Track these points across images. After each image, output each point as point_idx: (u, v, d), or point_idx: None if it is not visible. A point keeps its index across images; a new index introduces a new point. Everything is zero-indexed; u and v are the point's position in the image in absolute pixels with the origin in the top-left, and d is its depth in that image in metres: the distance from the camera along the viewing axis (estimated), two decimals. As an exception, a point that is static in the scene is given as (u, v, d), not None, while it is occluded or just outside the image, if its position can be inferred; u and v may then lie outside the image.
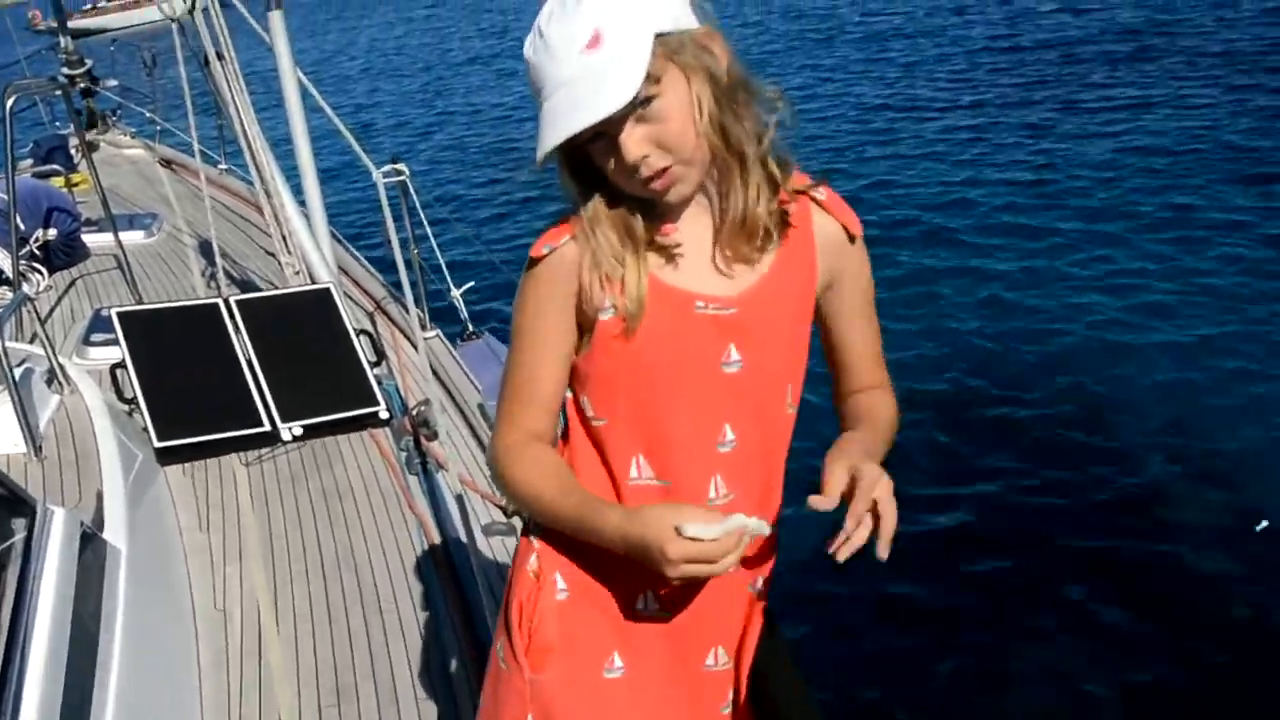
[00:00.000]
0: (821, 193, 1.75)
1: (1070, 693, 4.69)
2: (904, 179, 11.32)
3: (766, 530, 1.61)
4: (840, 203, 1.77)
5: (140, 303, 5.94)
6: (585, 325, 1.72)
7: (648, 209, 1.68)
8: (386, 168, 5.29)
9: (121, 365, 4.69)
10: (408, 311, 5.38)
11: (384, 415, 4.65)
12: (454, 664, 3.24)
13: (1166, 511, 5.70)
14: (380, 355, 5.06)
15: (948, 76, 15.42)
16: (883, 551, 1.55)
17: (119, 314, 4.90)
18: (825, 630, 5.09)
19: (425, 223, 6.03)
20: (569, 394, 1.80)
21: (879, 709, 4.73)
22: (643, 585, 1.81)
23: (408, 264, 5.39)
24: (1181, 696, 4.59)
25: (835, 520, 1.58)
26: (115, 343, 4.83)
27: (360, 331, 5.03)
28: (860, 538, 1.55)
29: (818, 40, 20.15)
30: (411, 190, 5.50)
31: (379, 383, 4.78)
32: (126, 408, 4.57)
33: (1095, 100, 13.03)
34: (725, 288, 1.69)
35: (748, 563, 1.82)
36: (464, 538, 3.70)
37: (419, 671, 3.24)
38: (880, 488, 1.57)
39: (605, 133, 1.56)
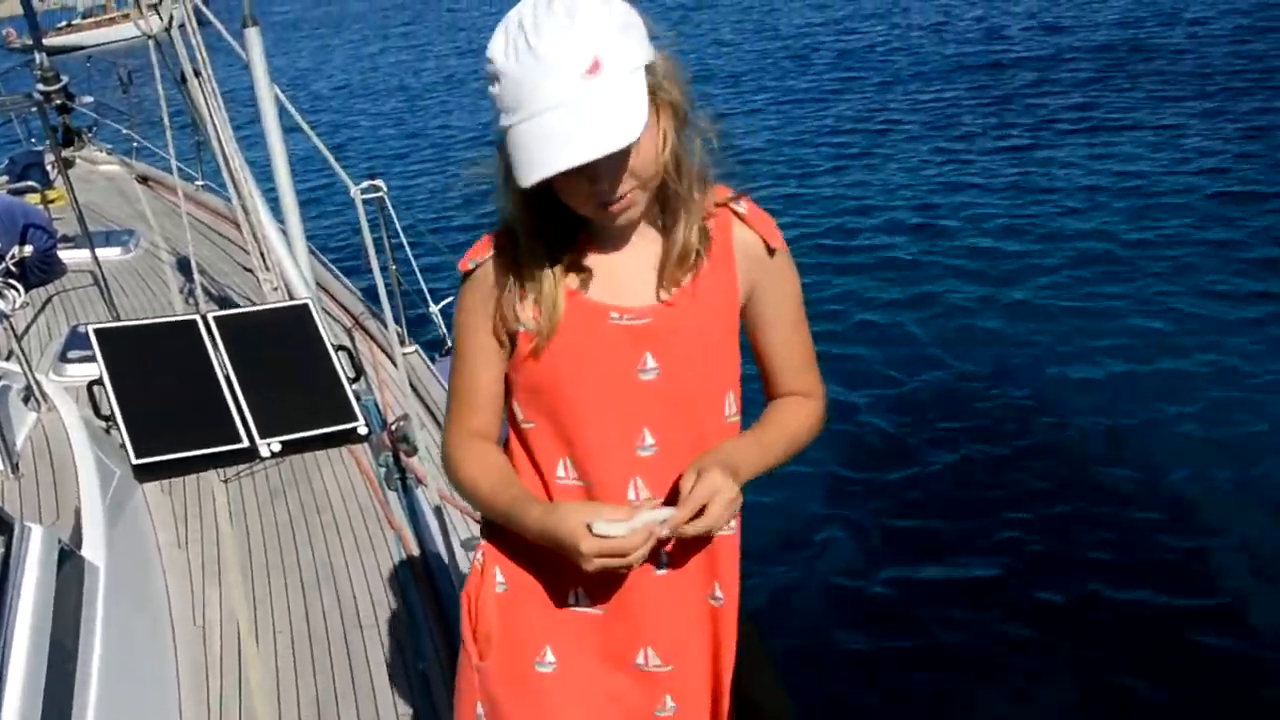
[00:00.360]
0: (742, 206, 1.80)
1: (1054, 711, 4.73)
2: (880, 199, 11.34)
3: (666, 514, 1.69)
4: (761, 215, 1.82)
5: (117, 319, 5.93)
6: (509, 335, 1.80)
7: (573, 224, 1.73)
8: (364, 184, 5.28)
9: (99, 382, 4.68)
10: (386, 327, 5.37)
11: (363, 431, 4.65)
12: (434, 678, 3.23)
13: (1147, 529, 5.73)
14: (359, 371, 5.06)
15: (924, 96, 15.50)
16: (665, 528, 1.69)
17: (96, 331, 4.88)
18: (813, 648, 5.13)
19: (404, 239, 6.04)
20: (509, 401, 1.88)
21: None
22: (573, 581, 1.87)
23: (386, 280, 5.39)
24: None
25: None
26: (92, 359, 4.81)
27: (339, 347, 5.02)
28: (675, 533, 1.70)
29: (793, 58, 20.24)
30: (389, 207, 5.51)
31: (358, 399, 4.77)
32: (104, 425, 4.55)
33: (1072, 119, 13.11)
34: (642, 299, 1.76)
35: (700, 572, 1.89)
36: (443, 552, 3.70)
37: (399, 686, 3.23)
38: (716, 499, 1.68)
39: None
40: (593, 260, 1.76)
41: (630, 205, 1.67)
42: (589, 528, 1.67)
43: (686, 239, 1.74)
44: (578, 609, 1.89)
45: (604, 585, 1.84)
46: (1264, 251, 8.70)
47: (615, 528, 1.67)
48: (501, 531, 1.88)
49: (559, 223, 1.72)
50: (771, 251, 1.82)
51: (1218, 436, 6.37)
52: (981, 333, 8.12)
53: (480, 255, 1.80)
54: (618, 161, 1.59)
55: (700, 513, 1.69)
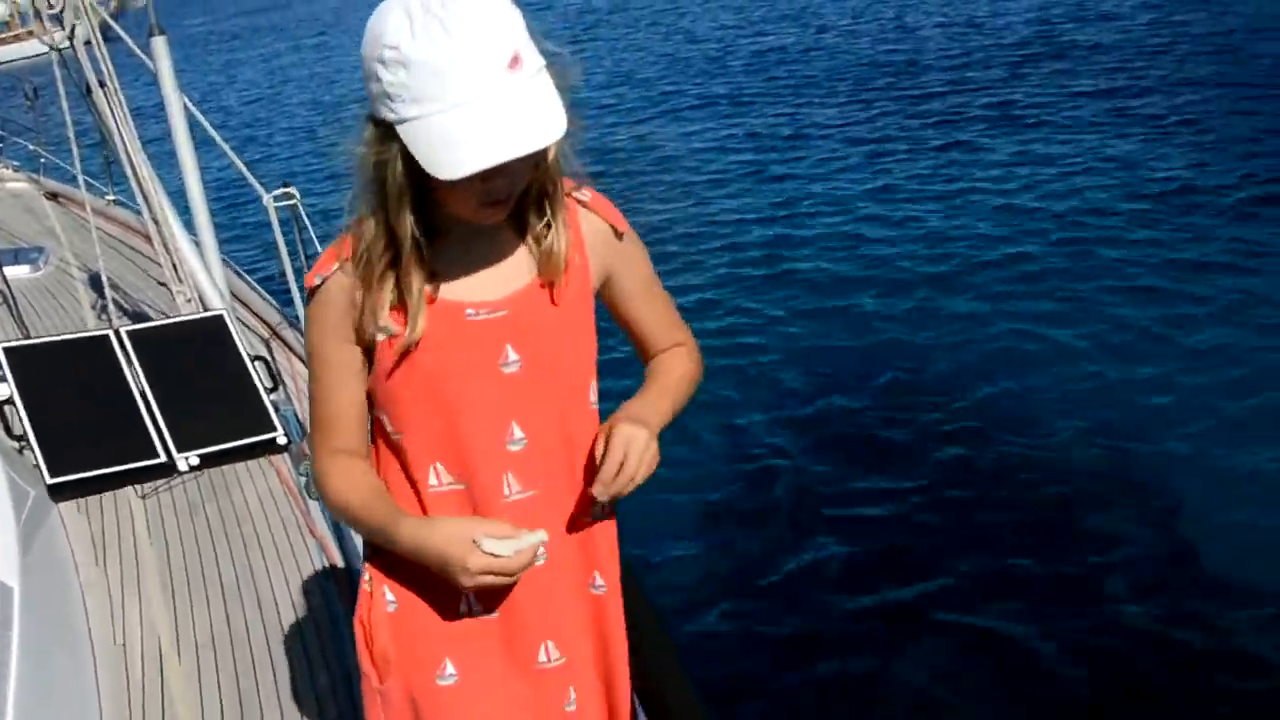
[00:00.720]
0: (585, 194, 1.82)
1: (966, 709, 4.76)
2: (799, 203, 11.39)
3: (545, 537, 1.74)
4: (604, 202, 1.85)
5: (28, 338, 5.81)
6: (367, 347, 1.76)
7: (425, 224, 1.70)
8: (278, 192, 5.26)
9: (10, 401, 4.58)
10: (303, 336, 5.30)
11: (282, 441, 4.60)
12: (359, 686, 3.20)
13: (1062, 524, 5.81)
14: (277, 381, 5.00)
15: (840, 98, 15.58)
16: (597, 491, 1.72)
17: (6, 349, 4.78)
18: (718, 639, 5.17)
19: (319, 248, 5.98)
20: (374, 414, 1.85)
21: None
22: (464, 589, 1.84)
23: (302, 289, 5.34)
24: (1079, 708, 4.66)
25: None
26: (3, 379, 4.71)
27: (255, 358, 4.96)
28: (607, 492, 1.71)
29: (709, 60, 20.31)
30: (303, 215, 5.45)
31: (276, 409, 4.72)
32: (16, 445, 4.46)
33: (989, 119, 13.24)
34: (496, 292, 1.75)
35: (579, 561, 1.90)
36: (367, 560, 3.67)
37: (325, 695, 3.20)
38: (631, 448, 1.70)
39: None
40: (444, 258, 1.74)
41: (511, 203, 1.68)
42: (476, 543, 1.69)
43: (562, 237, 1.76)
44: (473, 617, 1.88)
45: (494, 589, 1.82)
46: (1189, 249, 8.79)
47: (504, 546, 1.69)
48: (386, 550, 1.86)
49: (401, 221, 1.68)
50: (620, 235, 1.85)
51: (1150, 443, 6.39)
52: (902, 337, 8.16)
53: (327, 269, 1.76)
54: (529, 159, 1.58)
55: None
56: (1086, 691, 4.71)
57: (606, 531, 1.92)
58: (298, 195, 5.23)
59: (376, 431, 1.87)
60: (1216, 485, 5.88)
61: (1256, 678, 4.63)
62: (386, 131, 1.59)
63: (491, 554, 1.68)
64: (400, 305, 1.72)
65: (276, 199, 5.17)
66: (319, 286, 1.76)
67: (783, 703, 4.85)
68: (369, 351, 1.77)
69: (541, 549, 1.81)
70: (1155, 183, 10.28)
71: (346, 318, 1.74)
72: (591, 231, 1.82)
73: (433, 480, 1.81)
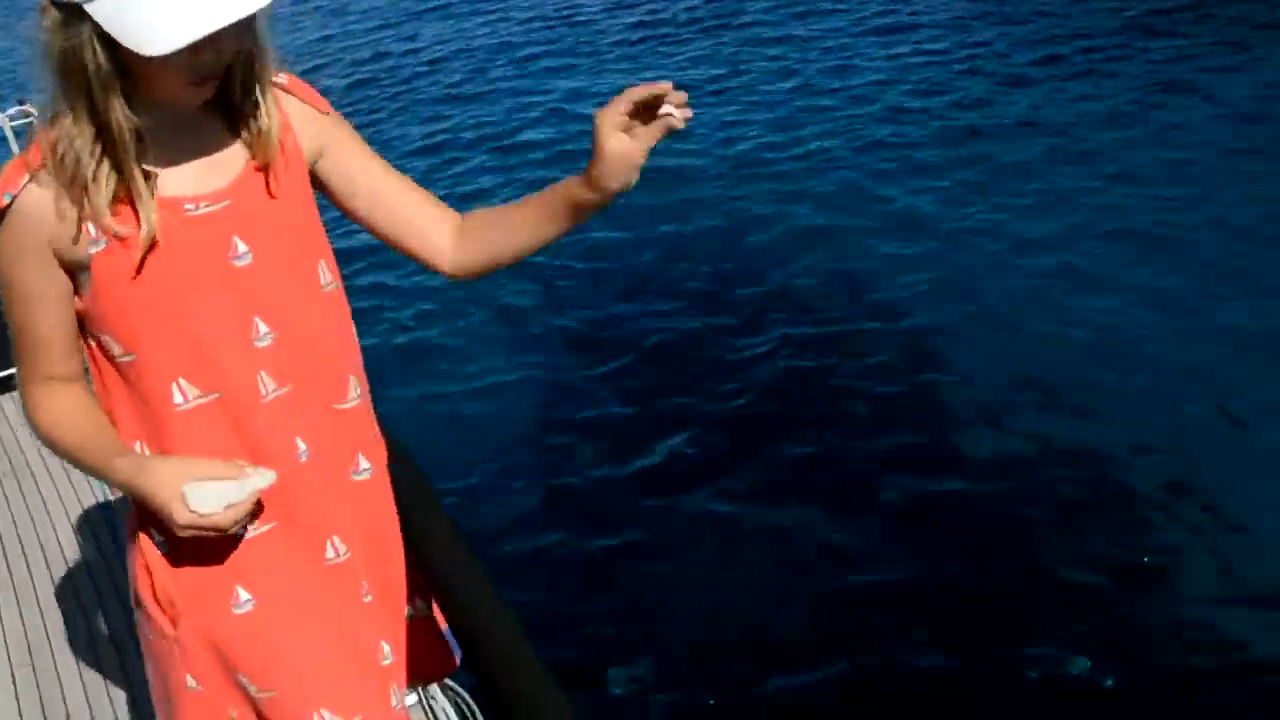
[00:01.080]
0: (282, 78, 1.72)
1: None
2: (582, 93, 11.24)
3: (271, 477, 1.64)
4: (302, 85, 1.76)
5: None
6: (76, 265, 1.59)
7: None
8: (12, 111, 4.91)
9: None
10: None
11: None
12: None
13: (897, 416, 5.84)
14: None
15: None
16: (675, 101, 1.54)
17: None
18: (533, 560, 5.15)
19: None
20: (92, 339, 1.67)
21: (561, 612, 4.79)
22: None
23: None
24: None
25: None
26: None
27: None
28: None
29: None
30: None
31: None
32: None
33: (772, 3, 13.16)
34: (212, 183, 1.63)
35: (340, 449, 1.80)
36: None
37: (118, 631, 3.07)
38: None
39: None
40: (151, 151, 1.57)
41: (218, 79, 1.55)
42: (184, 496, 1.58)
43: (273, 114, 1.65)
44: (250, 535, 1.75)
45: (266, 499, 1.71)
46: (989, 132, 8.91)
47: (213, 501, 1.59)
48: None
49: (106, 115, 1.50)
50: (323, 113, 1.77)
51: (926, 346, 6.43)
52: (709, 241, 8.04)
53: (16, 183, 1.54)
54: (235, 28, 1.45)
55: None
56: (943, 598, 4.72)
57: (365, 417, 1.85)
58: (36, 111, 4.87)
59: (100, 360, 1.69)
60: (1059, 373, 5.98)
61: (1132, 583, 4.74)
62: (72, 13, 1.43)
63: (198, 511, 1.58)
64: (121, 206, 1.55)
65: (12, 118, 4.81)
66: (9, 205, 1.55)
67: (597, 616, 4.85)
68: (73, 272, 1.59)
69: (303, 446, 1.72)
70: (940, 61, 10.46)
71: (46, 235, 1.55)
72: (296, 116, 1.72)
73: (178, 398, 1.66)
